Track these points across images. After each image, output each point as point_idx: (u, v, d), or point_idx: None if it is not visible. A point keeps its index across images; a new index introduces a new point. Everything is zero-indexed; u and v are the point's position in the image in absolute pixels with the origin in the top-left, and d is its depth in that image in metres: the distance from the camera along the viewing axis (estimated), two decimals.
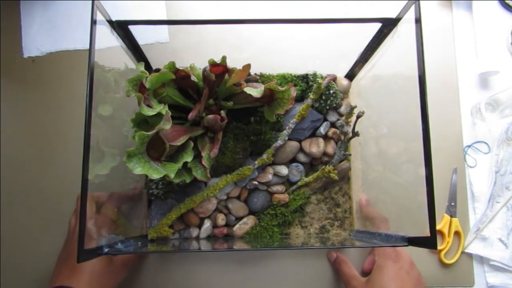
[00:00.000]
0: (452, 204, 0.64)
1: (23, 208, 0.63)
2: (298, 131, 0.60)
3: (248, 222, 0.59)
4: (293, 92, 0.53)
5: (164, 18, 0.68)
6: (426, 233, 0.39)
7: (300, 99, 0.62)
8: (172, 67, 0.49)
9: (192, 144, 0.50)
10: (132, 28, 0.48)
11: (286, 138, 0.59)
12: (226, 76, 0.51)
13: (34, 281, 0.61)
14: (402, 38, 0.46)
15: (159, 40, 0.67)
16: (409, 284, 0.52)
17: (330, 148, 0.61)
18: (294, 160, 0.62)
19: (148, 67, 0.59)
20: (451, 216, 0.64)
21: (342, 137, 0.61)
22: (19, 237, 0.62)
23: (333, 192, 0.62)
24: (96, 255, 0.40)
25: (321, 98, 0.60)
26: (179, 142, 0.48)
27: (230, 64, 0.49)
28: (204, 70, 0.49)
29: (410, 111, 0.43)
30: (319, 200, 0.62)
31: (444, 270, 0.63)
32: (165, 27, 0.68)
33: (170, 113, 0.46)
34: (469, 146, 0.66)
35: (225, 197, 0.59)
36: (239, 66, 0.50)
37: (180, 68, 0.50)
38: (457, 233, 0.63)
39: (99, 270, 0.50)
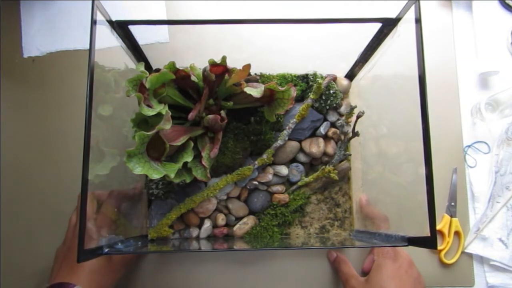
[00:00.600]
0: (452, 204, 0.64)
1: (23, 208, 0.63)
2: (298, 131, 0.60)
3: (248, 222, 0.59)
4: (293, 92, 0.53)
5: (164, 18, 0.68)
6: (426, 233, 0.39)
7: (300, 99, 0.62)
8: (172, 67, 0.49)
9: (192, 144, 0.50)
10: (132, 28, 0.48)
11: (286, 138, 0.59)
12: (226, 76, 0.51)
13: (34, 281, 0.61)
14: (402, 38, 0.46)
15: (159, 40, 0.67)
16: (408, 283, 0.52)
17: (330, 148, 0.61)
18: (294, 160, 0.62)
19: (148, 67, 0.59)
20: (451, 216, 0.63)
21: (342, 137, 0.61)
22: (19, 237, 0.62)
23: (333, 192, 0.62)
24: (96, 255, 0.40)
25: (321, 98, 0.60)
26: (179, 142, 0.48)
27: (230, 64, 0.49)
28: (204, 70, 0.49)
29: (410, 111, 0.43)
30: (319, 200, 0.62)
31: (444, 270, 0.63)
32: (165, 27, 0.68)
33: (170, 113, 0.46)
34: (469, 146, 0.66)
35: (225, 197, 0.59)
36: (239, 66, 0.50)
37: (180, 68, 0.50)
38: (457, 233, 0.63)
39: (99, 268, 0.51)
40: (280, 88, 0.52)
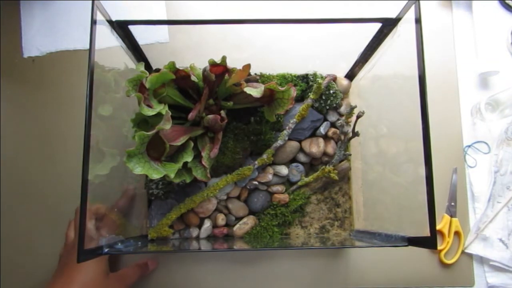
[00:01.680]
0: (452, 204, 0.64)
1: (23, 208, 0.63)
2: (298, 131, 0.60)
3: (248, 222, 0.59)
4: (293, 92, 0.53)
5: (164, 18, 0.68)
6: (426, 233, 0.39)
7: (300, 99, 0.62)
8: (172, 67, 0.49)
9: (192, 144, 0.50)
10: (132, 28, 0.48)
11: (286, 138, 0.59)
12: (226, 76, 0.51)
13: (34, 281, 0.61)
14: (402, 38, 0.46)
15: (159, 40, 0.67)
16: None
17: (330, 148, 0.61)
18: (294, 160, 0.62)
19: (148, 67, 0.59)
20: (451, 216, 0.63)
21: (342, 137, 0.61)
22: (19, 237, 0.62)
23: (333, 192, 0.62)
24: (96, 255, 0.40)
25: (321, 98, 0.60)
26: (179, 142, 0.48)
27: (230, 64, 0.49)
28: (204, 70, 0.49)
29: (410, 111, 0.43)
30: (319, 200, 0.62)
31: (444, 270, 0.63)
32: (165, 27, 0.68)
33: (170, 113, 0.46)
34: (469, 146, 0.66)
35: (225, 197, 0.59)
36: (239, 66, 0.50)
37: (180, 68, 0.50)
38: (457, 233, 0.63)
39: (92, 282, 0.50)
40: (280, 88, 0.52)
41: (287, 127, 0.59)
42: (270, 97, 0.54)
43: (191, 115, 0.49)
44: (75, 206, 0.58)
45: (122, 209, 0.55)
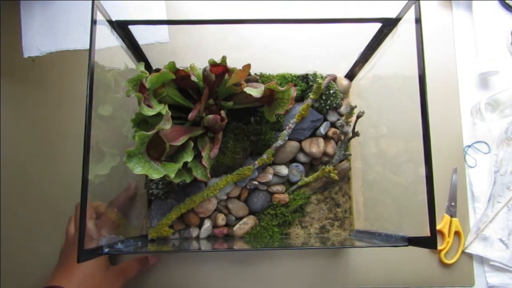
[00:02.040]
0: (452, 204, 0.64)
1: (23, 208, 0.63)
2: (298, 131, 0.60)
3: (248, 222, 0.59)
4: (293, 92, 0.53)
5: (164, 18, 0.68)
6: (426, 233, 0.39)
7: (300, 99, 0.62)
8: (172, 67, 0.49)
9: (192, 144, 0.50)
10: (132, 28, 0.48)
11: (286, 138, 0.59)
12: (226, 76, 0.51)
13: (34, 281, 0.61)
14: (402, 38, 0.46)
15: (159, 40, 0.67)
16: None
17: (330, 148, 0.61)
18: (294, 160, 0.62)
19: (148, 67, 0.59)
20: (451, 216, 0.63)
21: (342, 137, 0.61)
22: (19, 237, 0.62)
23: (333, 192, 0.62)
24: (96, 255, 0.40)
25: (321, 98, 0.60)
26: (179, 142, 0.48)
27: (230, 64, 0.49)
28: (204, 70, 0.49)
29: (410, 111, 0.43)
30: (319, 200, 0.62)
31: (444, 270, 0.63)
32: (165, 27, 0.68)
33: (170, 113, 0.46)
34: (469, 146, 0.66)
35: (225, 197, 0.59)
36: (239, 66, 0.50)
37: (180, 68, 0.50)
38: (457, 233, 0.63)
39: (91, 274, 0.51)
40: (280, 88, 0.52)
41: (287, 127, 0.59)
42: (270, 97, 0.54)
43: (191, 115, 0.49)
44: (74, 208, 0.58)
45: (121, 206, 0.55)
